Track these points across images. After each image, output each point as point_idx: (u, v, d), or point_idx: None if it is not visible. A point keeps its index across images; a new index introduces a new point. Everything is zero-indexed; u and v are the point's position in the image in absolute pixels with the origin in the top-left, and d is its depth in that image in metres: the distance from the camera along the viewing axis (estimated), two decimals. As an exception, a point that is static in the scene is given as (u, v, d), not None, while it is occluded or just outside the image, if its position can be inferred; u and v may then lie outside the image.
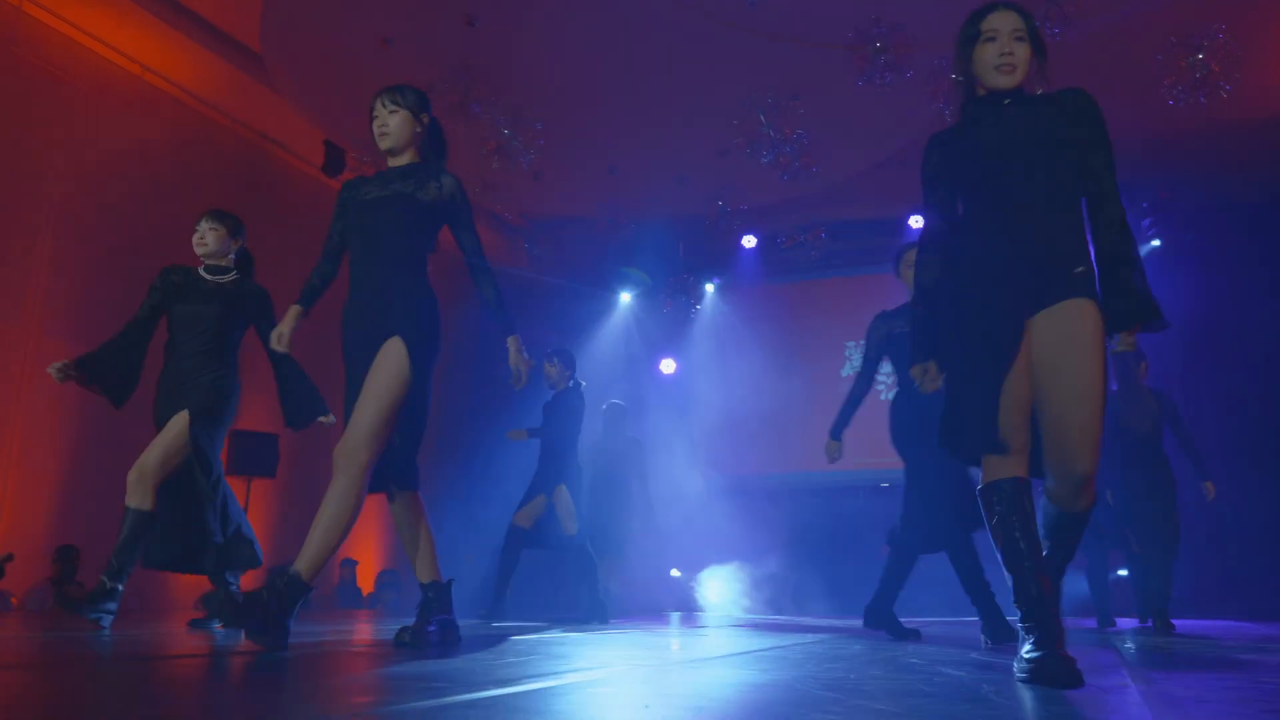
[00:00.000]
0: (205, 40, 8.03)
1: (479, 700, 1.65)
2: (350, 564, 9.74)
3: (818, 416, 7.54)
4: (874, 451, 10.19)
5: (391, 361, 3.02)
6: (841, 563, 9.50)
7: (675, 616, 7.59)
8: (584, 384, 6.25)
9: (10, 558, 6.19)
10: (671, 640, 4.00)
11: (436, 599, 3.18)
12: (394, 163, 3.29)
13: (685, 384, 11.62)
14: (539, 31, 7.54)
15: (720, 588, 9.33)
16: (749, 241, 11.22)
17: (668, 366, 11.76)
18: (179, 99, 8.62)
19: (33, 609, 6.46)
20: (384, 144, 3.25)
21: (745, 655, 3.10)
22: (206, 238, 4.25)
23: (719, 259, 11.31)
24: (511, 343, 3.28)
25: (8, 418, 7.06)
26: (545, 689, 1.87)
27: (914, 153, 9.19)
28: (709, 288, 11.44)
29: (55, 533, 7.01)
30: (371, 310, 3.11)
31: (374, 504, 11.00)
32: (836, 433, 4.79)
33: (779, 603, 9.26)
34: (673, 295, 9.99)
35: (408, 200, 3.17)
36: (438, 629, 3.16)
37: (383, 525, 10.74)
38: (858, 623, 4.94)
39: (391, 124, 3.22)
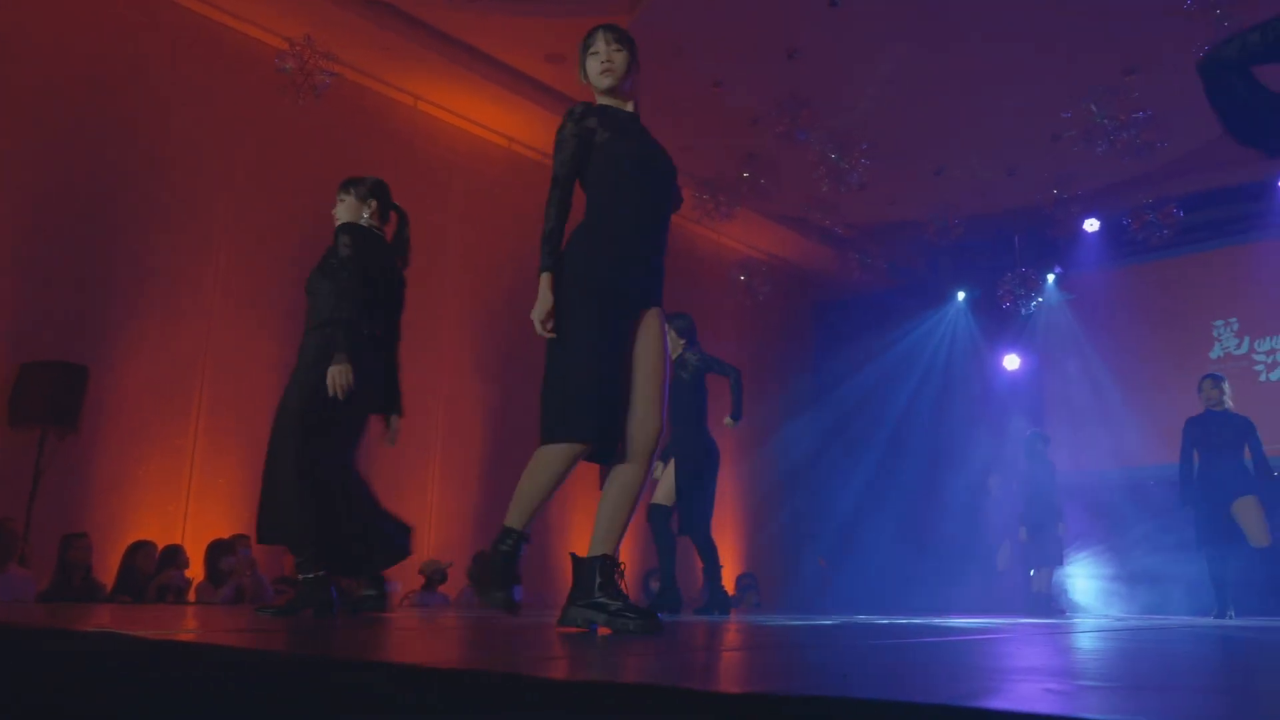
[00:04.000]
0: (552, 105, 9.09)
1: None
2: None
3: (1188, 402, 7.18)
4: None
5: (661, 337, 2.76)
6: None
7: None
8: (692, 352, 5.87)
9: (450, 564, 7.43)
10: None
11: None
12: (618, 106, 2.89)
13: (1033, 379, 11.30)
14: (860, 50, 7.86)
15: (1086, 587, 9.07)
16: (1091, 226, 10.72)
17: (1011, 363, 11.49)
18: (537, 161, 9.81)
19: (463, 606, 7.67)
20: (606, 81, 2.85)
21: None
22: (335, 210, 4.06)
23: (1059, 247, 10.92)
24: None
25: (430, 433, 8.45)
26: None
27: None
28: (1049, 278, 11.06)
29: (475, 540, 8.27)
30: (644, 278, 2.77)
31: (729, 512, 11.58)
32: None
33: (1147, 601, 8.82)
34: (1011, 289, 9.80)
35: (669, 162, 2.87)
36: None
37: (738, 531, 11.41)
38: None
39: (617, 61, 2.85)
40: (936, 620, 4.55)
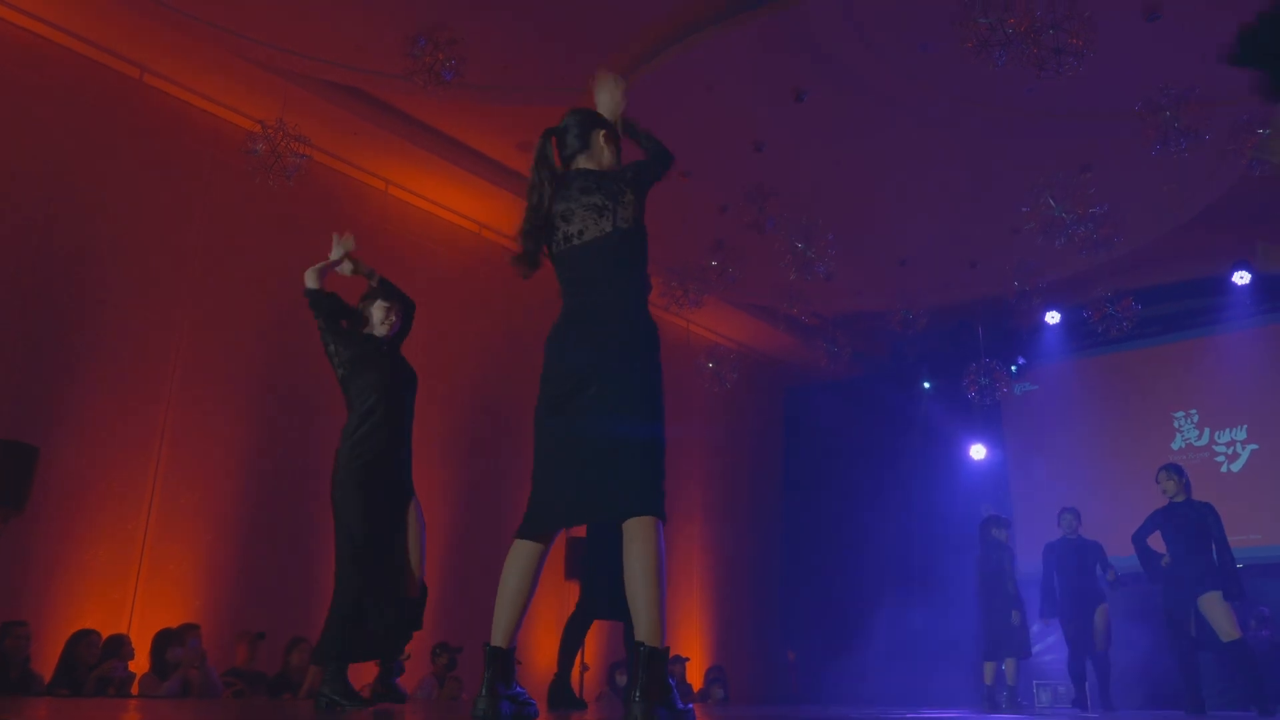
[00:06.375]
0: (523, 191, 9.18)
1: None
2: (680, 661, 10.21)
3: (1150, 494, 7.20)
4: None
5: None
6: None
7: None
8: None
9: (408, 657, 7.16)
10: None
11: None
12: None
13: (999, 468, 11.33)
14: (824, 143, 8.05)
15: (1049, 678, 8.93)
16: (1052, 318, 10.92)
17: (978, 452, 11.54)
18: (507, 247, 9.86)
19: (422, 698, 7.42)
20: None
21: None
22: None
23: (1022, 338, 11.08)
24: None
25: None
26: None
27: (1228, 206, 8.82)
28: (1013, 369, 11.19)
29: (435, 631, 8.03)
30: None
31: (697, 604, 11.42)
32: None
33: (1117, 693, 8.69)
34: (976, 379, 9.90)
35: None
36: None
37: (706, 622, 11.20)
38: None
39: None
40: (907, 714, 4.44)
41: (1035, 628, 7.88)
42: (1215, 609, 6.11)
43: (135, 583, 6.75)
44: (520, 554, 2.61)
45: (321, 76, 7.52)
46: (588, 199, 2.75)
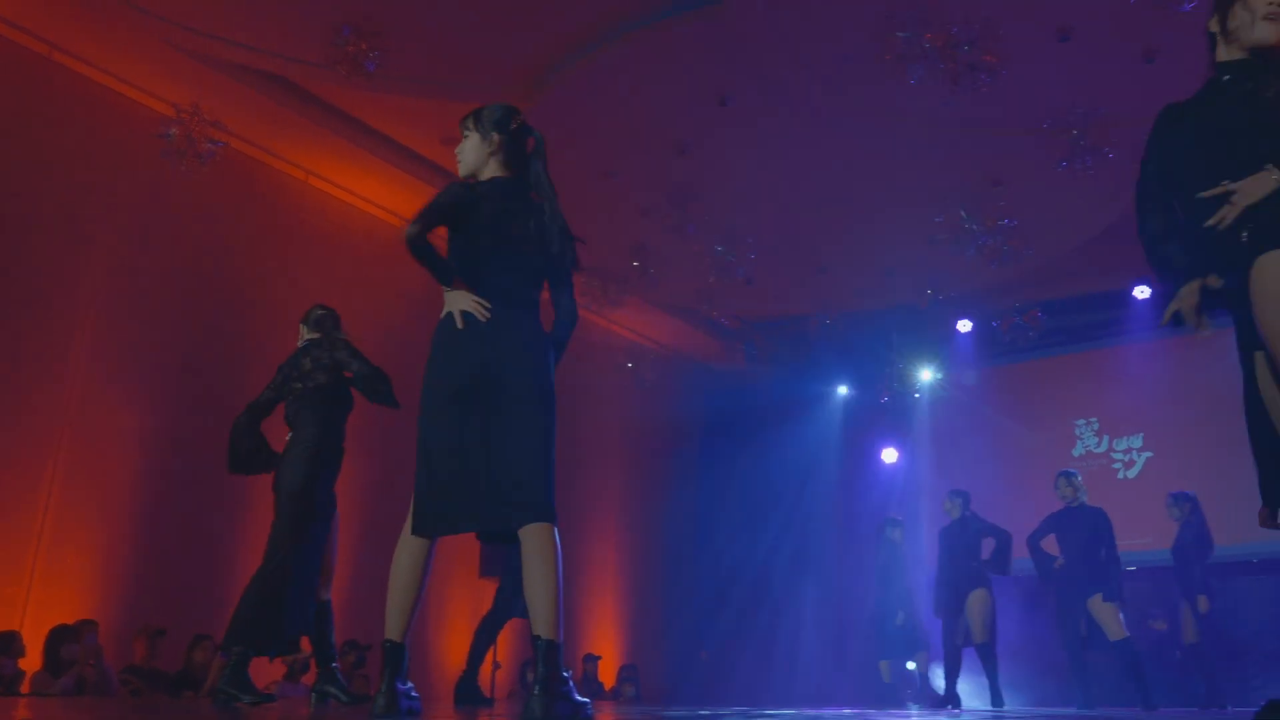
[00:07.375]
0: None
1: None
2: (593, 659, 10.23)
3: (1049, 499, 7.47)
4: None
5: None
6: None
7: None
8: None
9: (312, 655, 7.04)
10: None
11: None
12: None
13: (909, 472, 11.60)
14: (746, 149, 8.15)
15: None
16: (964, 326, 11.21)
17: (889, 456, 11.80)
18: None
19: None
20: (460, 171, 3.00)
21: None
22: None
23: (934, 346, 11.37)
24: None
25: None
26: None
27: (1131, 223, 9.12)
28: (925, 375, 11.48)
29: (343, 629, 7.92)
30: None
31: (612, 602, 11.42)
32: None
33: (1015, 690, 8.98)
34: (889, 385, 10.14)
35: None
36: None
37: (622, 621, 11.24)
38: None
39: (463, 150, 2.98)
40: (808, 711, 4.53)
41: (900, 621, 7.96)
42: (1104, 610, 6.38)
43: (30, 579, 6.51)
44: (409, 548, 2.62)
45: (242, 62, 7.35)
46: None
